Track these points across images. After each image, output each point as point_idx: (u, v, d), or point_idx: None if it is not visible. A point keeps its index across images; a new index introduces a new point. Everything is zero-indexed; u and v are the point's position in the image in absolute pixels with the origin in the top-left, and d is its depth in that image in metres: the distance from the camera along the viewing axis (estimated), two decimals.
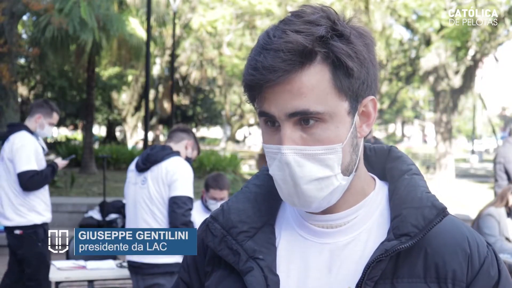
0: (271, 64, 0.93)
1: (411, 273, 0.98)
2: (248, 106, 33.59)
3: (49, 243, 4.57)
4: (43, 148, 4.69)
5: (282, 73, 0.93)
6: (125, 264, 4.20)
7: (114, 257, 4.95)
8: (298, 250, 1.05)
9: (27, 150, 4.48)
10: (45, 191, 4.69)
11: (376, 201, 1.06)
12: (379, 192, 1.07)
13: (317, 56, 0.94)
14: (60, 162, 4.72)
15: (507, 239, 4.55)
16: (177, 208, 3.74)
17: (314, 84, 0.94)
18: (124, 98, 27.20)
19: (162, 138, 28.40)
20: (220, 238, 1.05)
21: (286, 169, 0.96)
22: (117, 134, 32.02)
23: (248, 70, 0.96)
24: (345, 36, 0.96)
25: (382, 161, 1.13)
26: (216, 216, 1.08)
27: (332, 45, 0.94)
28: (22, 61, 19.29)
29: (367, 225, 1.03)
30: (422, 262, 0.99)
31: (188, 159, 4.03)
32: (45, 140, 5.05)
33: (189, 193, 3.82)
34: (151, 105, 23.32)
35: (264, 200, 1.10)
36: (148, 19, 10.19)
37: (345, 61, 0.95)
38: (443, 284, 0.97)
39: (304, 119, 0.95)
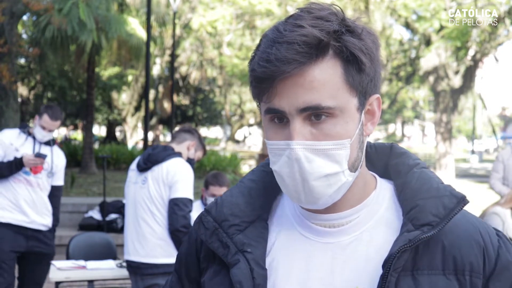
0: (285, 55, 0.91)
1: (431, 265, 0.98)
2: (248, 106, 33.63)
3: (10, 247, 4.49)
4: (37, 149, 4.59)
5: (297, 65, 0.92)
6: (125, 264, 4.20)
7: (114, 257, 4.96)
8: (300, 249, 1.04)
9: None
10: (2, 187, 4.51)
11: (378, 199, 1.05)
12: (381, 190, 1.07)
13: (330, 50, 0.94)
14: (27, 158, 4.42)
15: (511, 239, 4.56)
16: (178, 210, 3.74)
17: (326, 79, 0.94)
18: (124, 98, 27.20)
19: (162, 138, 28.39)
20: (212, 230, 1.06)
21: (295, 165, 0.95)
22: (117, 134, 32.01)
23: (260, 63, 0.94)
24: (356, 33, 0.96)
25: (384, 159, 1.13)
26: (210, 209, 1.09)
27: (345, 40, 0.95)
28: (22, 61, 19.29)
29: (369, 224, 1.03)
30: (440, 255, 0.98)
31: (189, 160, 4.02)
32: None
33: (190, 195, 3.82)
34: (151, 105, 23.32)
35: (259, 195, 1.09)
36: (148, 19, 10.19)
37: (359, 56, 0.95)
38: (460, 276, 0.97)
39: (315, 114, 0.94)
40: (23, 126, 4.68)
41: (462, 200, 0.98)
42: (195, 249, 1.13)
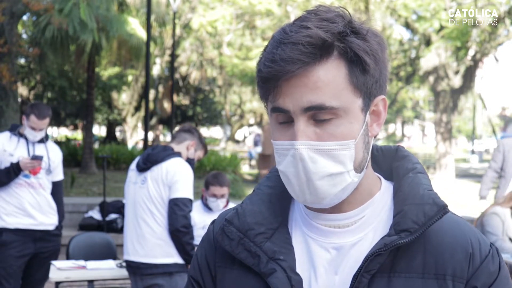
0: (290, 56, 0.93)
1: (409, 268, 0.99)
2: (248, 106, 33.63)
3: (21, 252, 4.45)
4: (31, 152, 4.51)
5: (301, 65, 0.93)
6: (124, 264, 4.20)
7: (114, 257, 4.96)
8: (306, 250, 1.05)
9: None
10: (5, 194, 4.46)
11: (382, 200, 1.07)
12: (385, 191, 1.08)
13: (334, 51, 0.95)
14: (24, 162, 4.36)
15: (511, 239, 4.55)
16: (178, 210, 3.74)
17: (330, 79, 0.95)
18: (124, 98, 27.19)
19: (162, 138, 28.36)
20: (237, 241, 1.06)
21: (299, 165, 0.96)
22: (117, 134, 32.01)
23: (265, 63, 0.96)
24: (361, 34, 0.97)
25: (389, 161, 1.14)
26: (231, 219, 1.08)
27: (350, 41, 0.96)
28: (22, 61, 19.28)
29: (373, 225, 1.04)
30: (421, 258, 1.00)
31: (189, 160, 4.02)
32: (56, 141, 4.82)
33: (189, 195, 3.82)
34: (151, 105, 23.32)
35: (278, 201, 1.10)
36: (148, 19, 10.19)
37: (363, 57, 0.96)
38: (441, 280, 0.99)
39: (320, 114, 0.95)
40: (13, 128, 4.60)
41: (442, 209, 1.00)
42: (213, 252, 1.12)
